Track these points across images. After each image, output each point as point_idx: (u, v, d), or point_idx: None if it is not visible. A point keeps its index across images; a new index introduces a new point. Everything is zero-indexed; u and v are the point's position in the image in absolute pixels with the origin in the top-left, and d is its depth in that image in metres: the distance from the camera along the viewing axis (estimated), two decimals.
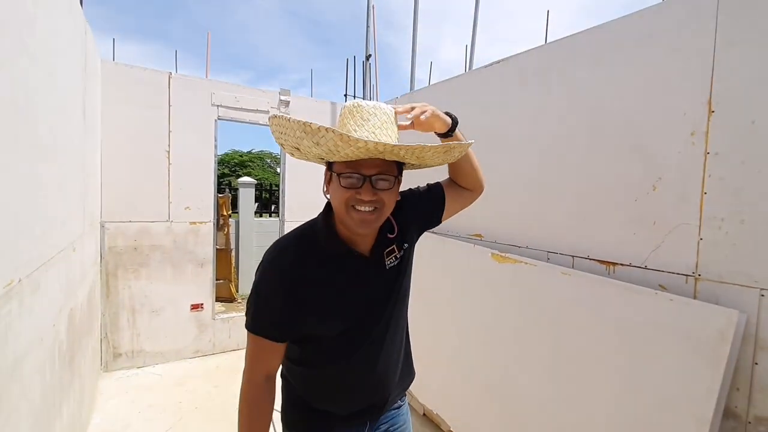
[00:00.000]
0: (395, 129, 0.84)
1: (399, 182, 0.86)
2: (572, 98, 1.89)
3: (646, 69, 1.60)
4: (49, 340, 1.48)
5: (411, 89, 3.96)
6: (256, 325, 0.86)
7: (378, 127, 0.79)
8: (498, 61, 2.36)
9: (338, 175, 0.80)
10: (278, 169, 4.24)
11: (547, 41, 2.26)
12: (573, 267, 1.82)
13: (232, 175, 17.07)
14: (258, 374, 0.87)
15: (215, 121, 3.61)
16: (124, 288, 3.31)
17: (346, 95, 5.53)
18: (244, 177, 7.35)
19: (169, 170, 3.42)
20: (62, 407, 1.73)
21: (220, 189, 8.11)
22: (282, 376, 1.01)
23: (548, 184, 1.99)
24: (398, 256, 0.96)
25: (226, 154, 19.26)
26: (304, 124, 0.72)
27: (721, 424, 1.28)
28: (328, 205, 0.90)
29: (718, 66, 1.38)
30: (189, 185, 3.52)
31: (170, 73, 3.41)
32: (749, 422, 1.29)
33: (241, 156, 19.49)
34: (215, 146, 3.64)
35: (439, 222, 1.09)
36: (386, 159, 0.79)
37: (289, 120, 0.75)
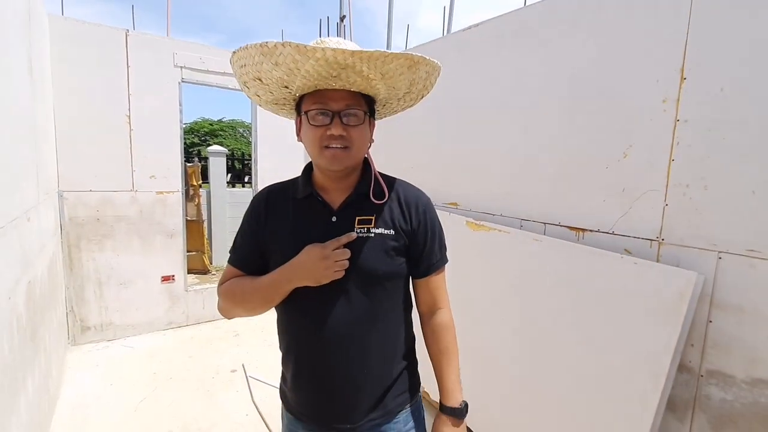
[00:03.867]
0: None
1: (371, 122, 0.89)
2: (548, 64, 1.87)
3: (622, 34, 1.59)
4: (5, 312, 1.41)
5: None
6: (231, 254, 0.96)
7: (337, 43, 0.78)
8: (476, 25, 2.30)
9: (306, 113, 0.82)
10: (251, 139, 4.10)
11: (526, 3, 2.21)
12: (545, 234, 1.86)
13: (202, 145, 16.39)
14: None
15: (179, 83, 3.40)
16: (88, 260, 3.18)
17: None
18: (214, 146, 7.05)
19: (130, 136, 3.23)
20: (26, 381, 1.67)
21: (189, 158, 7.76)
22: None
23: (523, 152, 2.00)
24: (373, 231, 0.87)
25: (196, 123, 18.44)
26: (261, 45, 0.71)
27: (675, 377, 1.37)
28: (310, 164, 0.94)
29: (692, 32, 1.38)
30: (153, 152, 3.35)
31: (127, 30, 3.16)
32: (701, 375, 1.38)
33: (211, 124, 18.71)
34: (180, 111, 3.45)
35: (405, 255, 0.94)
36: (351, 89, 0.81)
37: (247, 47, 0.73)
